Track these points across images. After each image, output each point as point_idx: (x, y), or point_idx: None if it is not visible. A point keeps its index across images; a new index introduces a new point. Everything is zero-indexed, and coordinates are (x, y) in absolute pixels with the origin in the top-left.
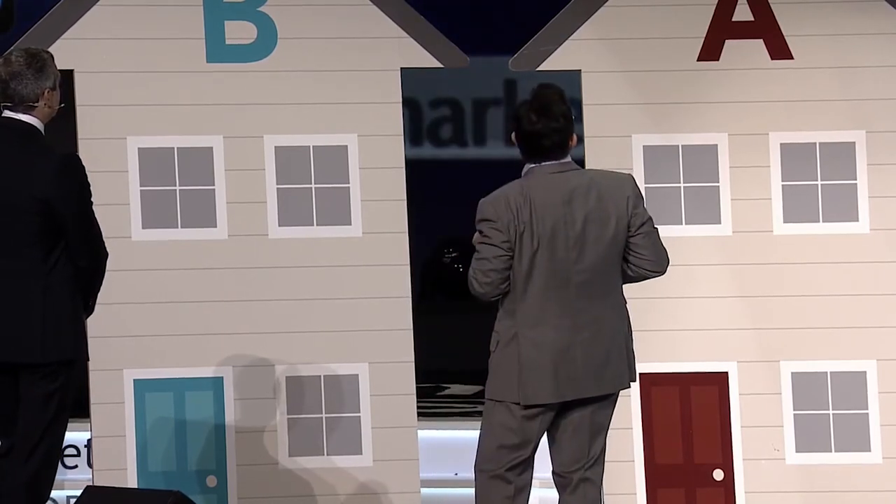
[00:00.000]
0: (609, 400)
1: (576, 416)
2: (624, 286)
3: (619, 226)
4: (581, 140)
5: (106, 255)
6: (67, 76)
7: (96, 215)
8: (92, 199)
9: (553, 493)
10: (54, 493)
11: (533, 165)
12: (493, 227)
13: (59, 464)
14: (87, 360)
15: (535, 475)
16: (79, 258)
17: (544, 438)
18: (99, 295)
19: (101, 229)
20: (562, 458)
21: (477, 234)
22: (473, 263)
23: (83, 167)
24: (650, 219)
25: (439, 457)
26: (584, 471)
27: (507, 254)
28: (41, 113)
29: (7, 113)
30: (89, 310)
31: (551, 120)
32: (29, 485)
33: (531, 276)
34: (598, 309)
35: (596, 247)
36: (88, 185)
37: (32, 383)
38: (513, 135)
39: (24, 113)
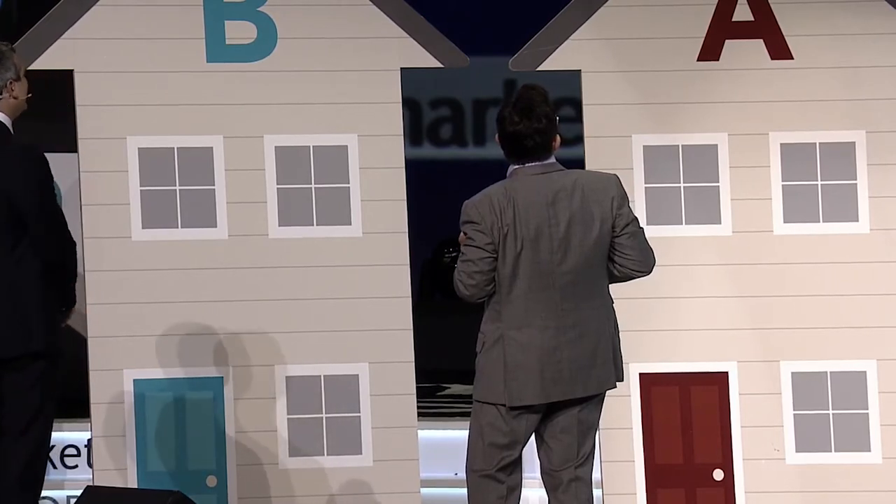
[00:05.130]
0: (596, 399)
1: (563, 417)
2: (619, 286)
3: (604, 227)
4: (581, 140)
5: (73, 244)
6: (67, 76)
7: (93, 214)
8: (55, 192)
9: None
10: (54, 493)
11: (516, 167)
12: (476, 229)
13: (61, 464)
14: (63, 353)
15: (532, 475)
16: (45, 248)
17: (532, 439)
18: (99, 295)
19: (100, 228)
20: (551, 458)
21: (462, 235)
22: (458, 265)
23: (45, 159)
24: (635, 219)
25: (439, 457)
26: (575, 469)
27: (491, 255)
28: (6, 105)
29: None
30: (70, 302)
31: (534, 121)
32: (21, 483)
33: (516, 277)
34: (583, 310)
35: (580, 248)
36: (51, 176)
37: (3, 377)
38: (496, 136)
39: None
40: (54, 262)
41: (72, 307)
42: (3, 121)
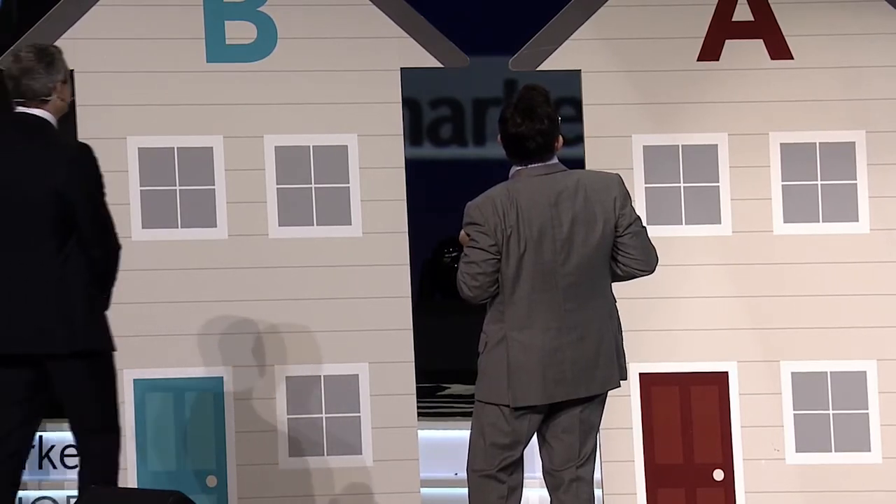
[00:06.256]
0: (598, 399)
1: (565, 417)
2: (619, 286)
3: (607, 227)
4: (581, 140)
5: (118, 247)
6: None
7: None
8: (104, 190)
9: None
10: (54, 493)
11: (519, 168)
12: (480, 231)
13: (60, 464)
14: (113, 349)
15: (532, 475)
16: (91, 247)
17: (534, 439)
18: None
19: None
20: (553, 457)
21: (462, 233)
22: (462, 267)
23: (95, 157)
24: (638, 218)
25: (439, 457)
26: (576, 469)
27: (494, 257)
28: (53, 107)
29: (20, 108)
30: (105, 304)
31: (536, 122)
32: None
33: (518, 278)
34: (586, 310)
35: (583, 248)
36: (100, 175)
37: (55, 378)
38: (498, 137)
39: (37, 108)
40: (100, 260)
41: (105, 309)
42: (50, 121)
